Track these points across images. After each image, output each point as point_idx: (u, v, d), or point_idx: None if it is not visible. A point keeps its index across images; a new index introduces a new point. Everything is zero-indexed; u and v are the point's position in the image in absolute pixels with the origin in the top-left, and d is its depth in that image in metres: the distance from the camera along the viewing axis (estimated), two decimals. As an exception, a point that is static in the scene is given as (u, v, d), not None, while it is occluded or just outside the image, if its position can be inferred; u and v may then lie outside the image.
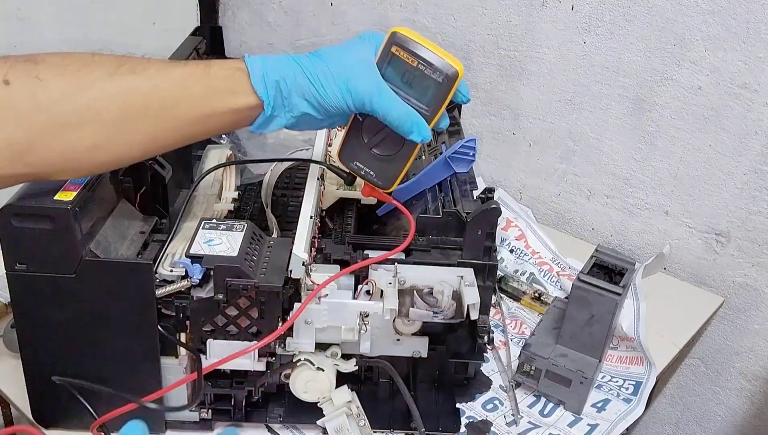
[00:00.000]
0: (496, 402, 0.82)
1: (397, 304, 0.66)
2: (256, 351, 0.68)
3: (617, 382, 0.86)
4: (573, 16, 1.06)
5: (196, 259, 0.64)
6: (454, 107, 0.96)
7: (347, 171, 0.69)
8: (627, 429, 0.81)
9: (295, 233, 0.68)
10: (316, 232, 0.74)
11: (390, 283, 0.67)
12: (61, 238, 0.61)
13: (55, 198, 0.61)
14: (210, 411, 0.73)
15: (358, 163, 0.67)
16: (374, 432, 0.72)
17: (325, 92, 0.62)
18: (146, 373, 0.68)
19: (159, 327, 0.66)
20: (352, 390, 0.71)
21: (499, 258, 0.99)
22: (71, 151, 0.58)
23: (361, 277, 0.70)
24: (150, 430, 0.54)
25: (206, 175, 0.82)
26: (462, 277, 0.69)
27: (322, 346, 0.70)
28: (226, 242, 0.66)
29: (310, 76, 0.62)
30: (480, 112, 1.22)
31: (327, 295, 0.67)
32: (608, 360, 0.88)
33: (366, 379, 0.79)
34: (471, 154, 0.76)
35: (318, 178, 0.79)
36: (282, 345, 0.68)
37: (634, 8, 1.00)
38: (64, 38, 1.30)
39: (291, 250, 0.65)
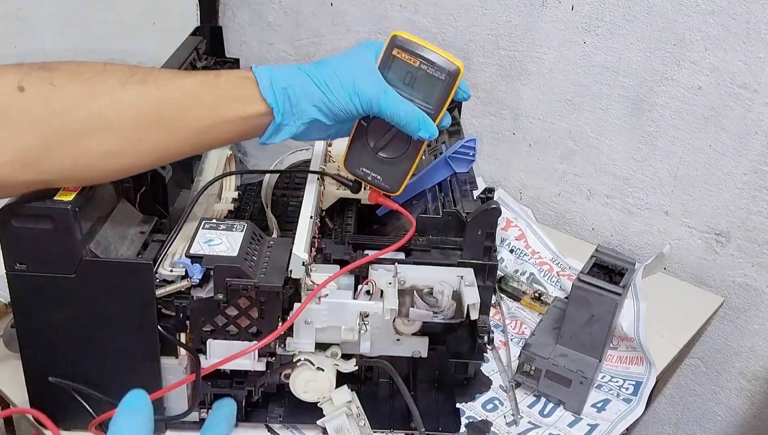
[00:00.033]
0: (496, 402, 0.82)
1: (397, 304, 0.66)
2: (256, 351, 0.68)
3: (617, 382, 0.86)
4: (573, 16, 1.06)
5: (196, 259, 0.64)
6: (455, 107, 0.96)
7: (352, 179, 0.71)
8: (627, 429, 0.81)
9: (295, 233, 0.68)
10: (316, 232, 0.74)
11: (390, 283, 0.67)
12: (61, 238, 0.61)
13: (55, 198, 0.61)
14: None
15: (364, 169, 0.69)
16: (374, 432, 0.72)
17: (334, 96, 0.63)
18: (146, 373, 0.68)
19: (159, 327, 0.66)
20: (352, 390, 0.71)
21: (499, 258, 0.99)
22: (84, 158, 0.59)
23: (361, 277, 0.70)
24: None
25: (214, 181, 0.82)
26: (462, 277, 0.69)
27: (322, 346, 0.70)
28: (226, 242, 0.66)
29: (317, 82, 0.63)
30: (480, 112, 1.22)
31: (327, 295, 0.67)
32: (608, 360, 0.89)
33: (366, 379, 0.79)
34: (471, 154, 0.76)
35: (318, 178, 0.79)
36: (282, 345, 0.68)
37: (634, 8, 1.00)
38: (64, 38, 1.30)
39: (291, 250, 0.65)
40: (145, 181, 0.75)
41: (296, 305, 0.65)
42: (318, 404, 0.70)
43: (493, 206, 0.70)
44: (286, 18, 1.42)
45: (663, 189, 1.07)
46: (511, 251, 1.08)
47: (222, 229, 0.68)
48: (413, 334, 0.73)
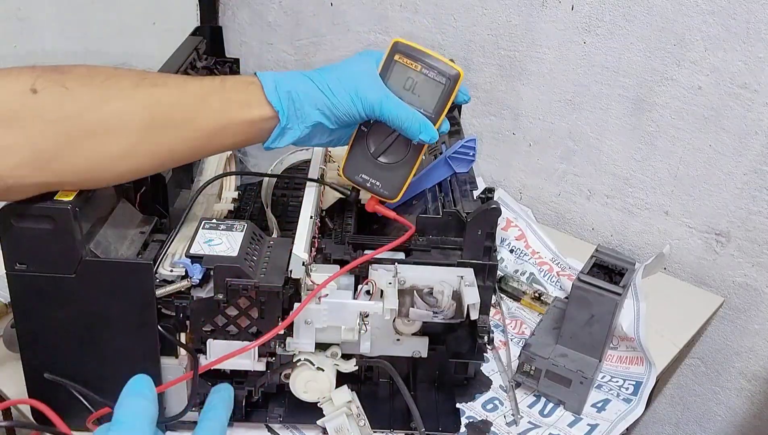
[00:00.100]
0: (496, 402, 0.82)
1: (397, 304, 0.66)
2: (256, 351, 0.68)
3: (617, 382, 0.86)
4: (573, 16, 1.06)
5: (196, 259, 0.64)
6: (454, 107, 0.96)
7: (350, 187, 0.71)
8: (627, 429, 0.81)
9: (295, 233, 0.68)
10: (316, 232, 0.74)
11: (390, 283, 0.67)
12: (61, 238, 0.61)
13: (55, 198, 0.61)
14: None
15: (363, 176, 0.70)
16: (374, 432, 0.72)
17: (337, 100, 0.65)
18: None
19: (159, 327, 0.66)
20: (352, 390, 0.71)
21: (499, 258, 0.99)
22: (96, 160, 0.60)
23: (361, 277, 0.70)
24: None
25: (213, 181, 0.82)
26: (462, 277, 0.69)
27: (322, 346, 0.70)
28: (226, 242, 0.66)
29: (320, 86, 0.65)
30: (480, 112, 1.22)
31: (327, 295, 0.67)
32: (608, 360, 0.88)
33: (366, 379, 0.78)
34: (471, 154, 0.76)
35: (318, 178, 0.79)
36: (282, 345, 0.68)
37: (634, 8, 1.00)
38: (64, 38, 1.30)
39: (291, 250, 0.65)
40: (145, 181, 0.75)
41: (296, 305, 0.65)
42: (318, 404, 0.70)
43: (493, 206, 0.70)
44: (286, 18, 1.42)
45: (663, 189, 1.07)
46: (511, 251, 1.08)
47: (222, 229, 0.68)
48: (413, 334, 0.73)
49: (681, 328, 0.99)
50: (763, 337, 1.05)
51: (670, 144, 1.04)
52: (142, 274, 0.64)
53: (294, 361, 0.69)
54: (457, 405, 0.79)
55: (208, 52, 1.04)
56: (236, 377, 0.72)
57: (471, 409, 0.80)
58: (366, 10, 1.29)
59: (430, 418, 0.75)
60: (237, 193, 0.89)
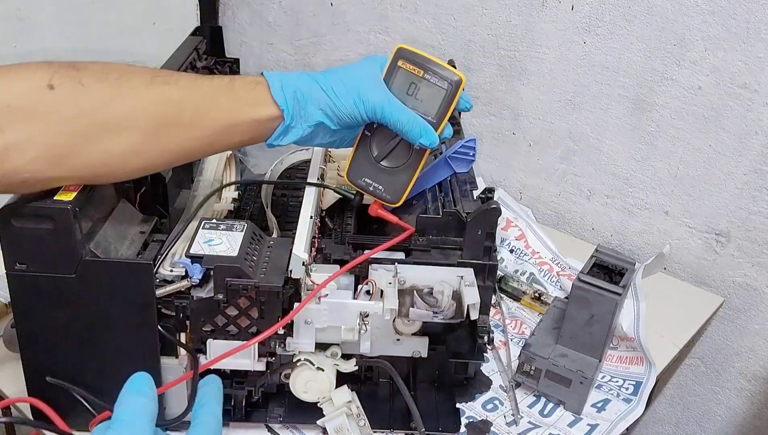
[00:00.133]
0: (496, 402, 0.82)
1: (397, 304, 0.66)
2: (256, 351, 0.68)
3: (617, 382, 0.86)
4: (573, 16, 1.06)
5: (196, 259, 0.65)
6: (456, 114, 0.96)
7: (354, 191, 0.73)
8: (627, 429, 0.81)
9: (295, 233, 0.68)
10: (316, 232, 0.74)
11: (390, 283, 0.67)
12: (61, 238, 0.61)
13: (55, 198, 0.61)
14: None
15: (366, 180, 0.71)
16: (374, 432, 0.72)
17: (340, 102, 0.66)
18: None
19: (159, 327, 0.66)
20: (352, 390, 0.71)
21: (499, 258, 0.99)
22: (109, 156, 0.61)
23: (361, 277, 0.70)
24: None
25: (218, 190, 0.82)
26: (462, 277, 0.69)
27: (322, 346, 0.70)
28: (226, 242, 0.66)
29: (324, 87, 0.66)
30: (480, 112, 1.22)
31: (327, 295, 0.67)
32: (608, 360, 0.88)
33: (366, 379, 0.78)
34: (471, 154, 0.76)
35: (318, 178, 0.79)
36: (282, 345, 0.68)
37: (634, 8, 1.00)
38: (64, 38, 1.31)
39: (291, 250, 0.65)
40: (145, 181, 0.75)
41: (296, 305, 0.65)
42: (318, 404, 0.70)
43: (493, 206, 0.70)
44: (286, 18, 1.42)
45: (663, 189, 1.07)
46: (511, 251, 1.08)
47: (222, 229, 0.68)
48: (413, 334, 0.73)
49: (681, 328, 0.99)
50: (763, 337, 1.05)
51: (670, 144, 1.04)
52: (142, 274, 0.64)
53: (294, 361, 0.69)
54: (457, 405, 0.79)
55: (208, 52, 1.04)
56: (236, 377, 0.72)
57: (471, 409, 0.80)
58: (366, 10, 1.29)
59: (430, 418, 0.75)
60: (237, 193, 0.89)
